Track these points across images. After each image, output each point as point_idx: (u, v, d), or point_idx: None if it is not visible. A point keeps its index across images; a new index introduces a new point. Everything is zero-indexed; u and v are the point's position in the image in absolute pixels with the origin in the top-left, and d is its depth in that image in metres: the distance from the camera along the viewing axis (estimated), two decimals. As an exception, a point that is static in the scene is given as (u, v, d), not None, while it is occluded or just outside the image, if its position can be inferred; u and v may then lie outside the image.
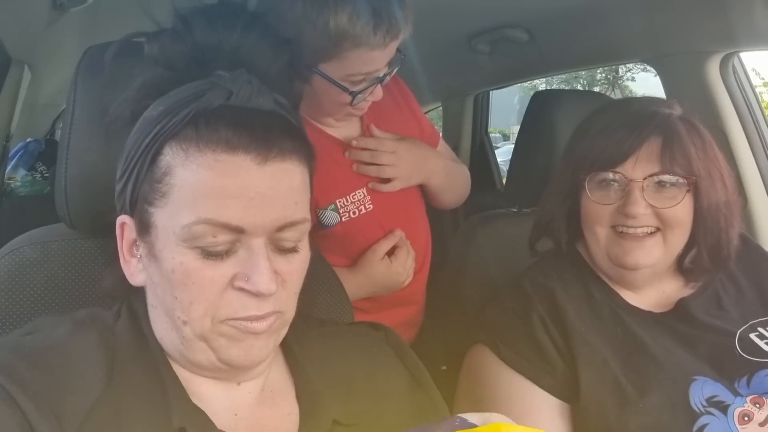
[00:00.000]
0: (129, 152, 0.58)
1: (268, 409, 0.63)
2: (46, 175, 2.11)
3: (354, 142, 1.11)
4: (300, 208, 0.59)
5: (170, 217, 0.55)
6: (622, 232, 0.88)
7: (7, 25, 1.47)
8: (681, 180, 0.86)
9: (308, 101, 1.07)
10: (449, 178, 1.25)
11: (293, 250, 0.59)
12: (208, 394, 0.60)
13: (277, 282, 0.57)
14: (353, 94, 0.99)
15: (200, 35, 0.58)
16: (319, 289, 0.90)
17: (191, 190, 0.55)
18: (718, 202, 0.88)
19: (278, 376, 0.66)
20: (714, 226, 0.89)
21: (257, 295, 0.55)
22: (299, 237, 0.59)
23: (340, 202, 1.09)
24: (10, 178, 2.07)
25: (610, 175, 0.88)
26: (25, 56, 1.71)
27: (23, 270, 0.71)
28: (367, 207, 1.11)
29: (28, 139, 2.21)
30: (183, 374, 0.60)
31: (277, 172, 0.56)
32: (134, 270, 0.60)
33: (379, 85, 1.02)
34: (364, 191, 1.11)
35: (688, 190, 0.86)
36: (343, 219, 1.09)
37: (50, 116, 2.70)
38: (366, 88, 1.00)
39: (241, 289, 0.56)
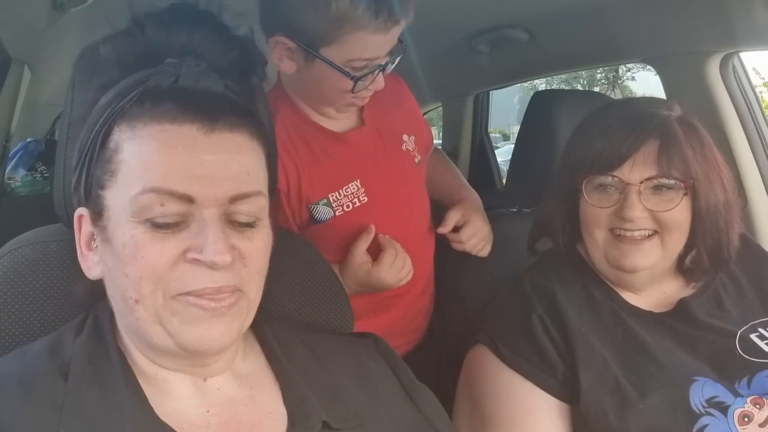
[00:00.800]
0: (81, 142, 0.59)
1: (245, 406, 0.63)
2: (46, 175, 2.11)
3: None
4: (254, 180, 0.59)
5: (121, 193, 0.56)
6: (619, 235, 0.88)
7: (7, 25, 1.47)
8: (678, 183, 0.86)
9: (309, 90, 1.06)
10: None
11: (250, 225, 0.58)
12: (176, 392, 0.60)
13: (234, 256, 0.56)
14: (354, 79, 0.97)
15: (152, 33, 0.59)
16: (319, 289, 0.90)
17: (139, 162, 0.55)
18: (717, 204, 0.88)
19: (257, 374, 0.66)
20: (713, 228, 0.89)
21: (211, 266, 0.54)
22: (256, 212, 0.58)
23: (332, 196, 1.07)
24: (10, 178, 2.07)
25: (608, 179, 0.88)
26: (25, 56, 1.71)
27: (22, 270, 0.71)
28: (362, 199, 1.09)
29: (28, 139, 2.20)
30: (150, 373, 0.60)
31: (226, 143, 0.57)
32: (90, 263, 0.60)
33: (380, 74, 1.00)
34: (358, 183, 1.09)
35: (685, 194, 0.86)
36: (337, 213, 1.08)
37: (50, 116, 2.70)
38: (367, 75, 0.98)
39: (195, 261, 0.55)
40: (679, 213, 0.86)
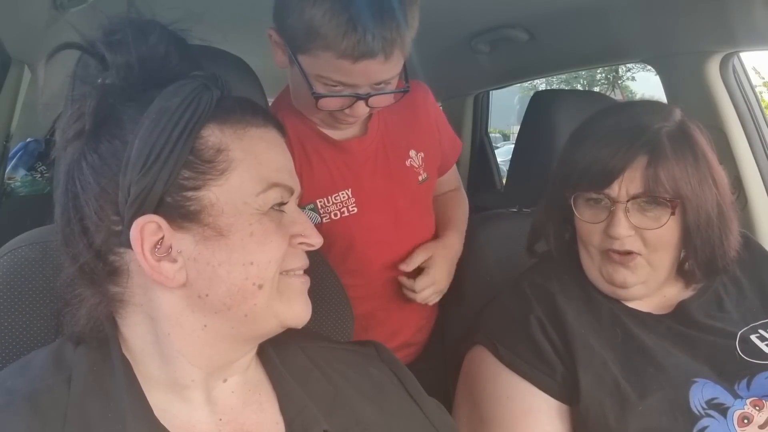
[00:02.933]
0: (151, 148, 0.55)
1: (254, 414, 0.63)
2: (46, 175, 2.10)
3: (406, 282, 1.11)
4: None
5: (237, 189, 0.58)
6: (609, 250, 0.88)
7: (7, 25, 1.47)
8: (665, 202, 0.85)
9: (295, 93, 1.04)
10: (462, 239, 1.23)
11: None
12: (193, 399, 0.61)
13: None
14: (315, 96, 0.93)
15: (161, 47, 0.61)
16: (319, 289, 0.90)
17: (254, 159, 0.60)
18: (709, 219, 0.86)
19: (262, 382, 0.66)
20: (705, 242, 0.88)
21: (311, 247, 0.65)
22: None
23: (320, 202, 1.04)
24: (10, 178, 2.07)
25: (595, 195, 0.87)
26: (25, 56, 1.71)
27: (22, 270, 0.71)
28: (351, 209, 1.06)
29: (28, 139, 2.20)
30: (167, 379, 0.60)
31: (284, 144, 0.66)
32: (170, 272, 0.57)
33: (361, 103, 0.94)
34: (348, 192, 1.06)
35: (672, 213, 0.85)
36: (324, 220, 1.05)
37: (50, 116, 2.69)
38: (335, 98, 0.93)
39: (300, 245, 0.64)
40: (665, 231, 0.85)
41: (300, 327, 0.64)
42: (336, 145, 1.06)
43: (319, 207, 1.05)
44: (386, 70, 0.91)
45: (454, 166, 1.32)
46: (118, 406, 0.56)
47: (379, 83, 0.94)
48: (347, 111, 0.96)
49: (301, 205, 1.02)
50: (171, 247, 0.57)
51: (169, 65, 0.61)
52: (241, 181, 0.59)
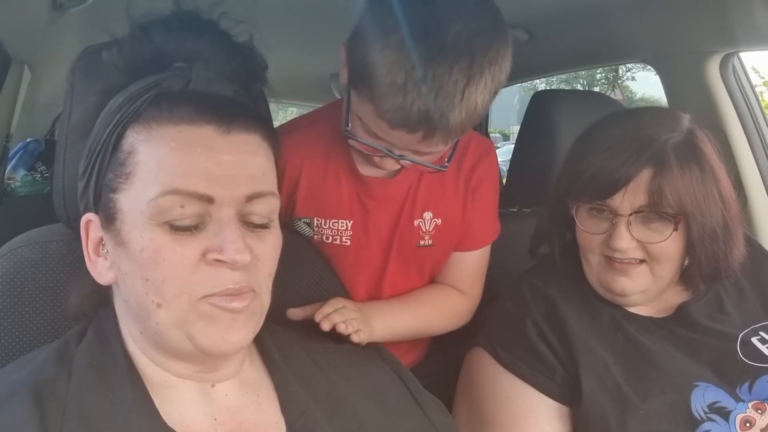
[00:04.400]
0: (91, 146, 0.59)
1: (251, 414, 0.62)
2: (46, 175, 2.11)
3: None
4: (268, 181, 0.59)
5: (136, 195, 0.55)
6: (610, 258, 0.87)
7: (7, 25, 1.47)
8: (668, 217, 0.84)
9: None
10: (397, 329, 1.02)
11: (263, 226, 0.59)
12: (183, 399, 0.60)
13: (252, 256, 0.56)
14: (347, 135, 0.87)
15: (159, 39, 0.60)
16: (321, 291, 0.90)
17: (156, 163, 0.55)
18: (714, 233, 0.85)
19: (263, 381, 0.65)
20: (710, 257, 0.87)
21: (232, 264, 0.54)
22: (268, 212, 0.59)
23: (316, 220, 1.00)
24: (10, 178, 2.07)
25: (597, 206, 0.87)
26: (25, 56, 1.71)
27: (22, 270, 0.71)
28: (344, 240, 1.00)
29: (28, 139, 2.21)
30: (157, 380, 0.59)
31: (242, 144, 0.57)
32: (101, 269, 0.59)
33: (391, 159, 0.87)
34: (349, 224, 1.00)
35: (674, 229, 0.84)
36: (316, 238, 1.01)
37: (50, 116, 2.70)
38: (366, 145, 0.87)
39: (216, 262, 0.55)
40: (668, 245, 0.85)
41: (219, 357, 0.59)
42: (358, 176, 0.99)
43: (314, 225, 1.01)
44: (425, 146, 0.82)
45: (476, 272, 1.10)
46: (121, 402, 0.55)
47: (417, 151, 0.86)
48: (376, 159, 0.90)
49: (297, 216, 0.99)
50: (104, 246, 0.59)
51: (159, 58, 0.60)
52: (141, 186, 0.55)
